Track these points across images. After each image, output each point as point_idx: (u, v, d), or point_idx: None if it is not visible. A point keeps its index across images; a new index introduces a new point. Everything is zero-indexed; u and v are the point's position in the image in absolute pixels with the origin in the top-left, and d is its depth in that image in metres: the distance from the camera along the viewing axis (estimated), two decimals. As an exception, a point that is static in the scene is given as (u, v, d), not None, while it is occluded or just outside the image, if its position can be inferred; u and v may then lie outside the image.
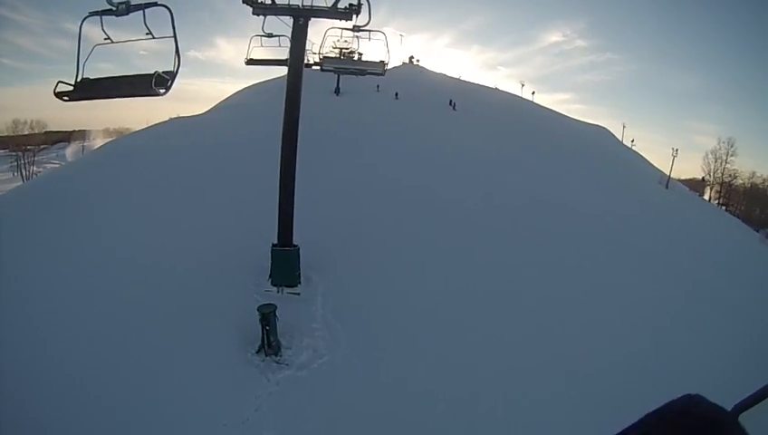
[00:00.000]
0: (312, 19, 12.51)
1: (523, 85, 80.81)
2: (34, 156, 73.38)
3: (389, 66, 13.20)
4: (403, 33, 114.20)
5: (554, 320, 14.34)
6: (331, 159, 22.83)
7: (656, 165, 58.00)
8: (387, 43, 12.47)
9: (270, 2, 12.46)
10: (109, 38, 7.57)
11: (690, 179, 67.78)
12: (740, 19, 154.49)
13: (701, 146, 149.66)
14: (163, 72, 7.85)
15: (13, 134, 76.02)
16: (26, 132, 77.02)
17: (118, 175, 20.92)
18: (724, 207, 63.79)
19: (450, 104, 46.11)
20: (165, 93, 7.98)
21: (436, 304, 14.18)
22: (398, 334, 12.68)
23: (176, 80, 8.02)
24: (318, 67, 15.67)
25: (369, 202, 19.59)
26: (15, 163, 70.70)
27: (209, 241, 15.49)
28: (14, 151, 72.09)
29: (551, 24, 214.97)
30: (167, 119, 37.45)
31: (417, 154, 26.37)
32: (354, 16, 12.11)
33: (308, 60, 26.06)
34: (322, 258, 15.14)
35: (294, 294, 13.57)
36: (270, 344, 11.38)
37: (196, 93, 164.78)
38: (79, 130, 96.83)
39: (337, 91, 43.61)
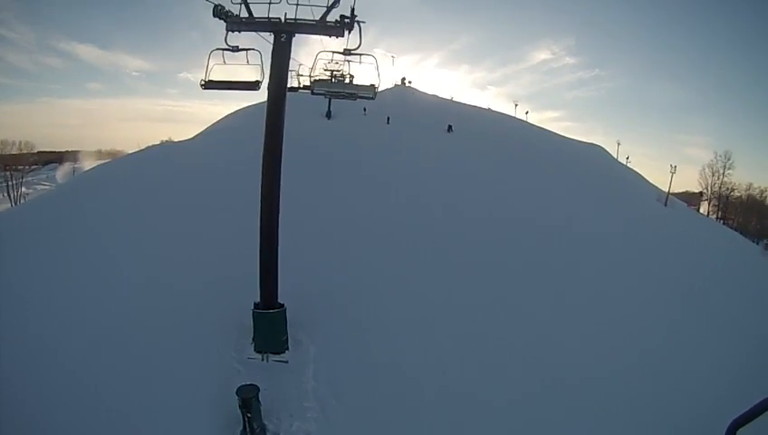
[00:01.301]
0: (297, 36, 10.43)
1: (516, 105, 79.11)
2: (23, 177, 70.07)
3: (381, 89, 11.54)
4: (394, 55, 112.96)
5: (557, 345, 13.56)
6: (319, 191, 20.75)
7: (649, 180, 57.06)
8: (378, 67, 10.79)
9: (247, 15, 10.28)
10: None
11: (684, 192, 66.41)
12: (728, 29, 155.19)
13: (691, 158, 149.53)
14: None
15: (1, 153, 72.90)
16: (14, 153, 73.84)
17: (94, 207, 18.90)
18: (722, 221, 62.77)
19: (448, 130, 43.96)
20: None
21: (438, 354, 12.33)
22: (400, 404, 10.59)
23: None
24: (305, 91, 13.53)
25: (363, 241, 17.33)
26: (5, 184, 67.30)
27: (182, 294, 13.09)
28: (3, 171, 68.79)
29: (539, 42, 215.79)
30: (158, 142, 36.13)
31: (413, 184, 24.16)
32: (346, 32, 10.13)
33: (298, 83, 23.98)
34: (312, 314, 12.82)
35: (282, 362, 11.35)
36: (253, 431, 9.16)
37: (190, 115, 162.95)
38: (71, 151, 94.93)
39: (328, 114, 41.87)
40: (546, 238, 21.05)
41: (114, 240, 15.91)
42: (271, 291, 11.38)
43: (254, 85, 10.40)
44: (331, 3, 10.00)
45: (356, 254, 16.28)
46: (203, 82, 10.49)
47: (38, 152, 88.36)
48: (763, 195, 69.79)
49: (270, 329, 11.41)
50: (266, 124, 10.67)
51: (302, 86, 23.09)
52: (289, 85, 17.84)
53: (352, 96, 12.10)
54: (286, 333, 11.64)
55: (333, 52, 11.56)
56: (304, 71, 15.16)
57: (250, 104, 46.58)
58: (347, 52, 10.65)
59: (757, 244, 49.34)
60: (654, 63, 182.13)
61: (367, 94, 11.34)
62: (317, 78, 14.72)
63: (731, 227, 56.32)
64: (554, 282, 17.05)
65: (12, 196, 65.17)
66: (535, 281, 16.89)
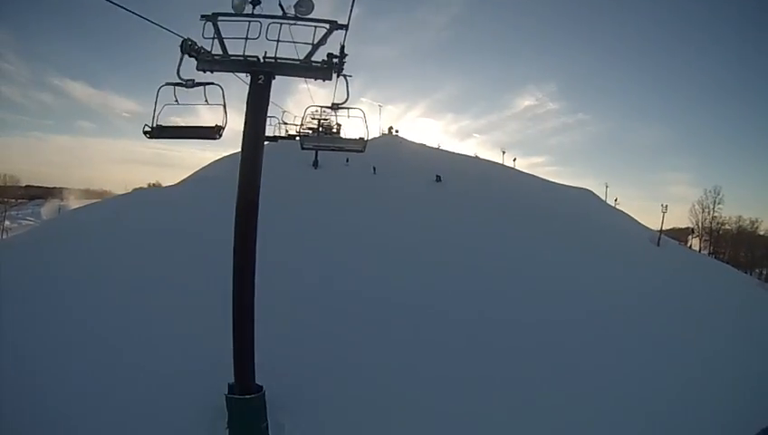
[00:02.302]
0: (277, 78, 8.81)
1: (504, 152, 77.63)
2: (6, 210, 66.95)
3: (369, 138, 10.43)
4: (381, 104, 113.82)
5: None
6: (302, 250, 19.19)
7: (638, 220, 56.17)
8: (365, 120, 9.78)
9: (221, 53, 8.54)
10: None
11: (672, 229, 63.82)
12: (705, 69, 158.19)
13: (676, 196, 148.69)
14: None
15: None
16: (-1, 184, 71.24)
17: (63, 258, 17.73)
18: (713, 256, 61.33)
19: (437, 180, 42.54)
20: None
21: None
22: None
23: None
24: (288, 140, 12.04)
25: (350, 310, 15.47)
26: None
27: (148, 364, 11.36)
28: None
29: (522, 89, 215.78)
30: (146, 185, 34.87)
31: (402, 245, 22.44)
32: (334, 75, 8.62)
33: (284, 131, 22.43)
34: (295, 393, 10.94)
35: None
36: None
37: (180, 159, 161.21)
38: (59, 188, 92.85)
39: (315, 163, 40.43)
40: (536, 289, 20.11)
41: (82, 296, 14.62)
42: (246, 373, 9.39)
43: (212, 132, 8.55)
44: (317, 41, 8.39)
45: (344, 321, 14.56)
46: (148, 129, 8.48)
47: (26, 186, 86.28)
48: (754, 226, 68.94)
49: (247, 417, 9.44)
50: (240, 181, 8.89)
51: (287, 135, 21.68)
52: (273, 134, 16.10)
53: (342, 149, 10.90)
54: (266, 419, 9.69)
55: (321, 107, 10.78)
56: (288, 118, 13.73)
57: (237, 151, 45.28)
58: (335, 106, 9.43)
59: (750, 274, 49.17)
60: (634, 106, 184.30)
61: (356, 147, 10.12)
62: (305, 132, 13.54)
63: (722, 260, 55.43)
64: (544, 331, 16.11)
65: (-5, 229, 62.01)
66: (525, 331, 15.91)
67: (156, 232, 20.47)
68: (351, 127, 10.77)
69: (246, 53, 8.42)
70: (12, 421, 9.21)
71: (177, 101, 8.30)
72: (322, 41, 8.46)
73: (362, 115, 9.75)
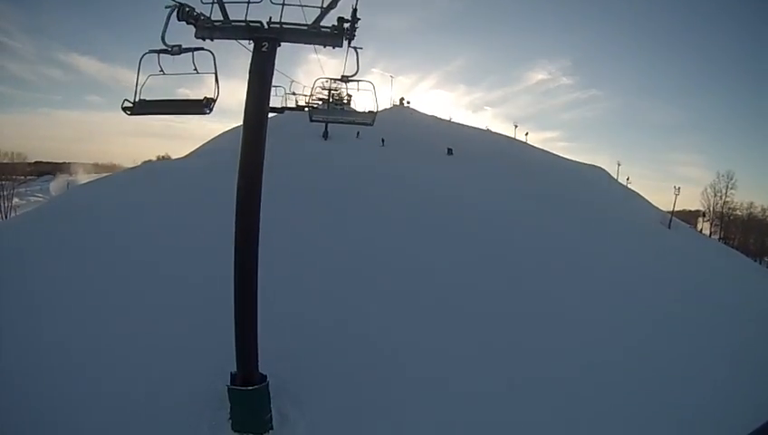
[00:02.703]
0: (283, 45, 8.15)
1: (516, 126, 76.95)
2: (14, 188, 66.68)
3: (379, 110, 10.53)
4: (392, 75, 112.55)
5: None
6: (308, 228, 18.53)
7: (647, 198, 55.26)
8: (375, 93, 9.76)
9: (222, 18, 7.90)
10: None
11: (681, 211, 61.85)
12: (720, 51, 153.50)
13: (685, 177, 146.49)
14: None
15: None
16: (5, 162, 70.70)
17: (60, 238, 16.94)
18: (723, 241, 60.89)
19: (448, 153, 41.82)
20: None
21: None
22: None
23: None
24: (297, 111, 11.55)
25: (360, 288, 14.93)
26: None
27: (147, 353, 10.80)
28: (-1, 181, 65.12)
29: (535, 63, 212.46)
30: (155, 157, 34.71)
31: (413, 218, 21.82)
32: (345, 42, 7.94)
33: (292, 102, 21.78)
34: (301, 380, 10.41)
35: None
36: None
37: (189, 132, 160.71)
38: (67, 163, 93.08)
39: (325, 135, 39.86)
40: (544, 268, 19.62)
41: (82, 282, 13.84)
42: (249, 362, 9.01)
43: (201, 106, 7.85)
44: (327, 4, 7.72)
45: (354, 304, 13.96)
46: (128, 105, 7.74)
47: (35, 162, 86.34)
48: (766, 213, 67.75)
49: (249, 408, 9.06)
50: (241, 156, 8.30)
51: (296, 106, 21.05)
52: (281, 105, 15.47)
53: (351, 122, 10.86)
54: (270, 410, 9.32)
55: (331, 79, 10.45)
56: (297, 88, 13.16)
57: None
58: (345, 79, 9.03)
59: (759, 263, 48.68)
60: (649, 84, 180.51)
61: (365, 121, 9.99)
62: (314, 104, 13.17)
63: (731, 246, 54.75)
64: (551, 311, 15.69)
65: (2, 207, 61.80)
66: (532, 309, 15.49)
67: (163, 205, 20.04)
68: (362, 98, 10.27)
69: (249, 18, 7.77)
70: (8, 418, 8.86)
71: (161, 70, 7.63)
72: (332, 4, 7.81)
73: (372, 88, 9.60)
